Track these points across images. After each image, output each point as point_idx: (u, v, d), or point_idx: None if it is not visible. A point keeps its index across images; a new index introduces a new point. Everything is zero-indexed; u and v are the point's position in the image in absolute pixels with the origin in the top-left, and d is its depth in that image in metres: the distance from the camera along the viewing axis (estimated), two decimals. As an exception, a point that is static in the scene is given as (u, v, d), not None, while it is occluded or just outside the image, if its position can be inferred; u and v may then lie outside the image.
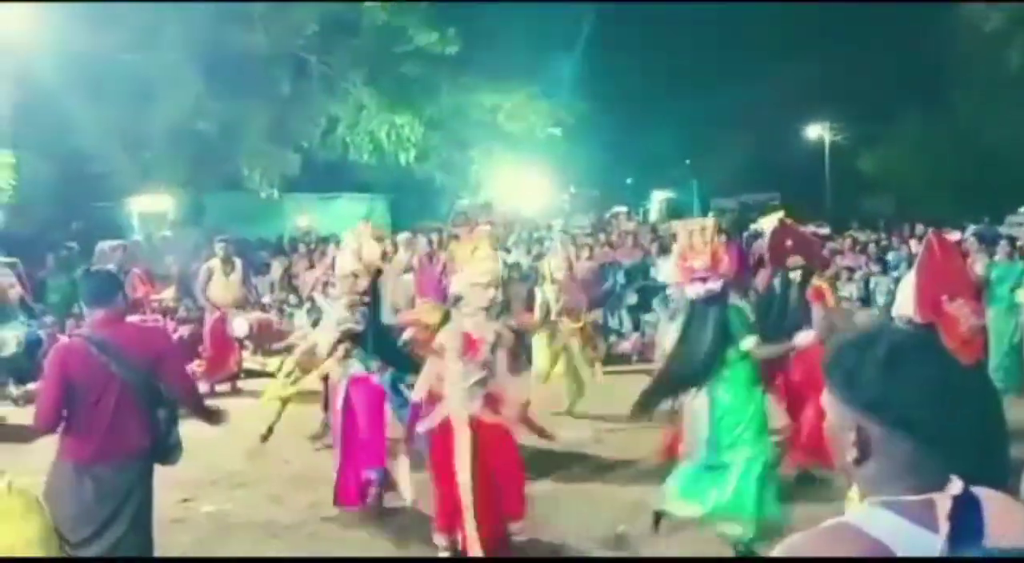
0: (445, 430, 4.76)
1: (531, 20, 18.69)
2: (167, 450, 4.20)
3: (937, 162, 22.75)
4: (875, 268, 12.39)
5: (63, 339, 4.35)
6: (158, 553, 4.56)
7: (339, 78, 15.14)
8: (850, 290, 12.12)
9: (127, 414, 3.98)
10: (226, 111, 13.66)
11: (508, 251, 12.82)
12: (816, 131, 27.32)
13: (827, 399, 1.46)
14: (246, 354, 10.84)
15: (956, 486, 1.37)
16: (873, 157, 25.04)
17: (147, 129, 13.78)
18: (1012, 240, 9.89)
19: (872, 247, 13.64)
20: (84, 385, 3.89)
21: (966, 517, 1.33)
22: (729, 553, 4.96)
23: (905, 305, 5.95)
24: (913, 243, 13.46)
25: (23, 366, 7.66)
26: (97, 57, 11.97)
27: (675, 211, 26.07)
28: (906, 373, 1.37)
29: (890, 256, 13.10)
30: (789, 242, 6.37)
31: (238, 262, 10.52)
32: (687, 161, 27.68)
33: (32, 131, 12.38)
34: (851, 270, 12.79)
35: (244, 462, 7.42)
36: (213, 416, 4.44)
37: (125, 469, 4.00)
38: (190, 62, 12.81)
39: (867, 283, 11.98)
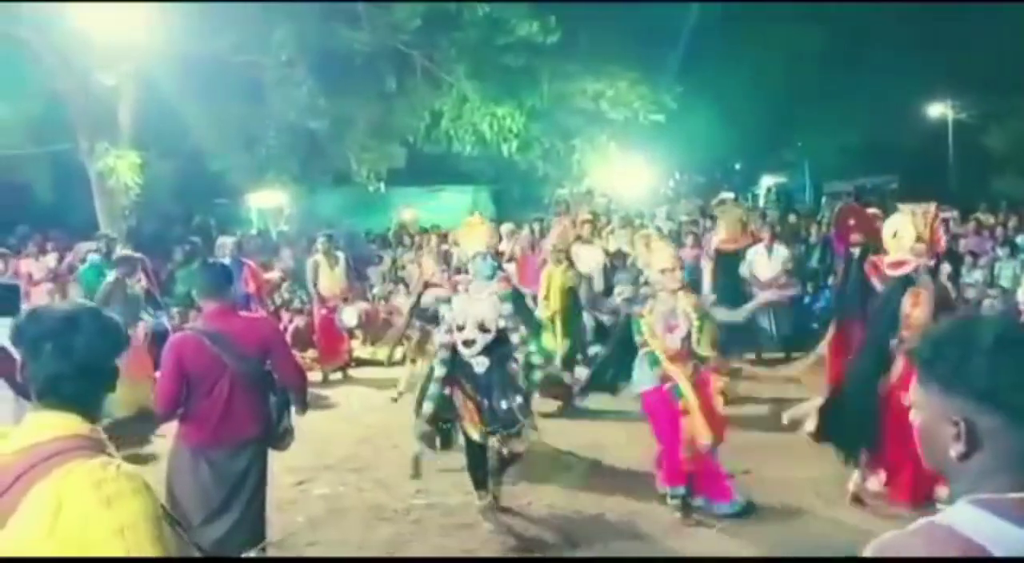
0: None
1: (632, 6, 18.43)
2: (279, 436, 4.40)
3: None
4: (1002, 252, 11.67)
5: (179, 332, 4.60)
6: (272, 532, 4.78)
7: (442, 72, 15.32)
8: (975, 277, 11.47)
9: (239, 401, 4.19)
10: (335, 108, 14.04)
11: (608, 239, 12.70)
12: (938, 108, 25.71)
13: (923, 393, 1.41)
14: (356, 343, 11.18)
15: None
16: (1002, 133, 23.47)
17: (261, 127, 14.33)
18: None
19: (1000, 230, 12.85)
20: (199, 375, 4.12)
21: None
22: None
23: None
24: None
25: (151, 355, 8.11)
26: (213, 59, 12.51)
27: (786, 196, 25.26)
28: (1016, 358, 1.33)
29: (1020, 239, 12.30)
30: (852, 221, 7.02)
31: (341, 255, 10.87)
32: (799, 143, 26.61)
33: (155, 132, 13.08)
34: (975, 255, 12.10)
35: (356, 447, 7.68)
36: (305, 407, 4.62)
37: (239, 453, 4.22)
38: (300, 62, 13.22)
39: (992, 268, 11.31)
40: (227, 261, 10.10)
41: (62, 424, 1.84)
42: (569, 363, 8.65)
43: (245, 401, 4.22)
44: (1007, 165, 22.82)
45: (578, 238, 12.62)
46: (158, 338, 8.14)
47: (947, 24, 21.40)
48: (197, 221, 16.95)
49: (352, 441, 7.85)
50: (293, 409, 4.50)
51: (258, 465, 4.33)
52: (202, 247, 12.87)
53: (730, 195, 17.85)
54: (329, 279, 10.51)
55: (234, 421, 4.18)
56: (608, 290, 11.54)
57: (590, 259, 11.72)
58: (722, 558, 5.23)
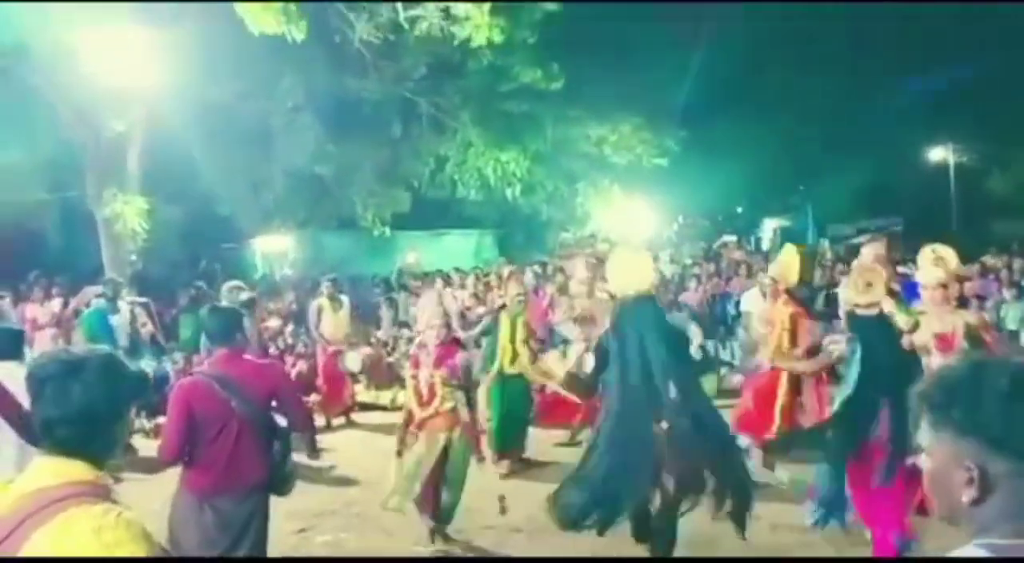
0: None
1: (635, 52, 18.71)
2: (282, 481, 4.35)
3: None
4: (1008, 294, 11.65)
5: (187, 377, 4.58)
6: (274, 581, 4.70)
7: (447, 118, 15.55)
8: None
9: (245, 447, 4.15)
10: (342, 154, 14.25)
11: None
12: (939, 152, 25.98)
13: (934, 438, 1.40)
14: (359, 388, 11.14)
15: None
16: (1004, 177, 23.65)
17: (268, 173, 14.52)
18: None
19: (1004, 273, 12.84)
20: (206, 420, 4.09)
21: None
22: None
23: None
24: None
25: (152, 401, 8.09)
26: (221, 105, 12.72)
27: (789, 239, 25.29)
28: None
29: (1025, 282, 12.29)
30: None
31: (345, 299, 10.86)
32: (801, 187, 26.80)
33: (163, 177, 13.24)
34: (981, 298, 12.07)
35: (359, 493, 7.59)
36: (315, 451, 4.62)
37: (244, 500, 4.17)
38: (308, 108, 13.44)
39: (999, 311, 11.28)
40: (236, 305, 10.17)
41: (66, 470, 1.84)
42: None
43: (251, 446, 4.19)
44: (1009, 208, 22.92)
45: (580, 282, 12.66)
46: (158, 383, 8.14)
47: (950, 71, 21.69)
48: (203, 265, 17.04)
49: (355, 487, 7.77)
50: (295, 455, 4.48)
51: (262, 511, 4.29)
52: (208, 292, 12.91)
53: (733, 238, 17.88)
54: (333, 323, 10.51)
55: (240, 467, 4.15)
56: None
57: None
58: (722, 558, 5.16)
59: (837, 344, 5.53)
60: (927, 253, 5.78)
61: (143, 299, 10.13)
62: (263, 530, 4.31)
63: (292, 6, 10.48)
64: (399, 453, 5.91)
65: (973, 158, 25.40)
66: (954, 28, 21.37)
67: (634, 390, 4.94)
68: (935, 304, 5.52)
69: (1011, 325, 10.76)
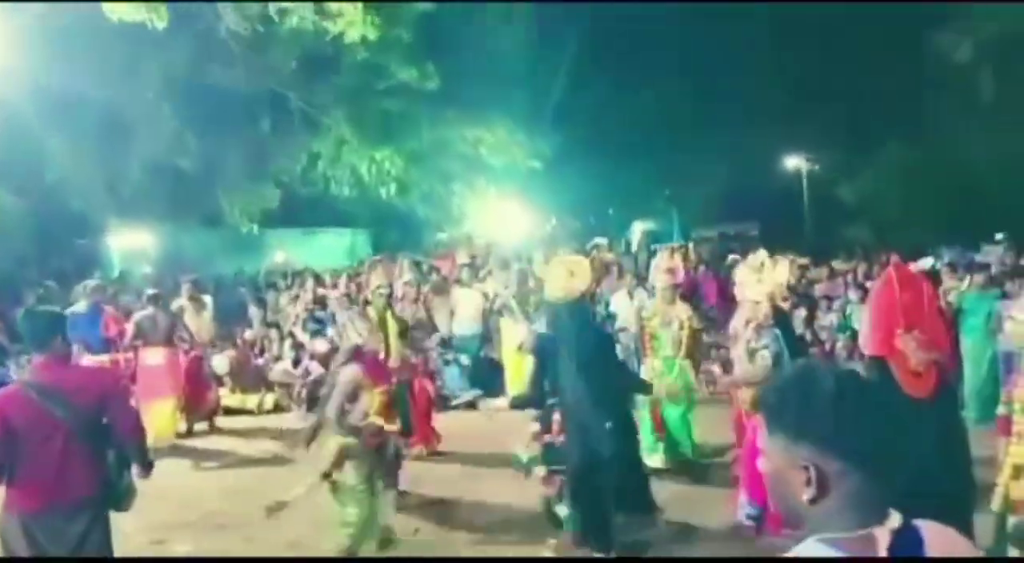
0: None
1: (511, 55, 18.88)
2: (119, 496, 4.07)
3: (914, 190, 23.00)
4: (854, 296, 12.46)
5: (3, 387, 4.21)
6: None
7: (319, 114, 15.21)
8: (830, 319, 12.17)
9: (73, 461, 3.83)
10: (205, 147, 13.68)
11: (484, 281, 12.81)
12: (793, 161, 27.63)
13: (770, 441, 1.46)
14: (224, 391, 10.75)
15: (895, 519, 1.39)
16: (851, 186, 25.28)
17: (126, 165, 13.76)
18: (986, 267, 9.94)
19: (851, 276, 13.73)
20: (25, 433, 3.74)
21: (906, 550, 1.36)
22: None
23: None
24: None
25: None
26: (75, 93, 11.98)
27: (655, 241, 26.21)
28: (856, 405, 1.39)
29: (869, 284, 13.17)
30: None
31: (208, 299, 10.47)
32: (667, 192, 27.84)
33: (9, 168, 12.32)
34: (830, 299, 12.86)
35: (222, 502, 7.32)
36: (149, 467, 4.24)
37: (74, 518, 3.85)
38: (169, 99, 12.84)
39: (845, 311, 12.04)
40: (83, 306, 9.60)
41: None
42: None
43: (79, 460, 3.85)
44: (856, 216, 24.54)
45: (457, 281, 12.67)
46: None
47: (805, 83, 23.00)
48: (53, 263, 15.98)
49: (218, 495, 7.48)
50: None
51: (99, 528, 3.96)
52: (58, 291, 12.12)
53: (603, 241, 18.32)
54: (195, 324, 10.09)
55: (68, 482, 3.81)
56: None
57: (469, 303, 11.78)
58: (722, 558, 5.27)
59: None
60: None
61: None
62: (104, 547, 4.02)
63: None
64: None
65: (824, 167, 27.08)
66: (808, 39, 22.71)
67: (578, 388, 5.26)
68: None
69: (856, 325, 11.48)
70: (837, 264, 15.48)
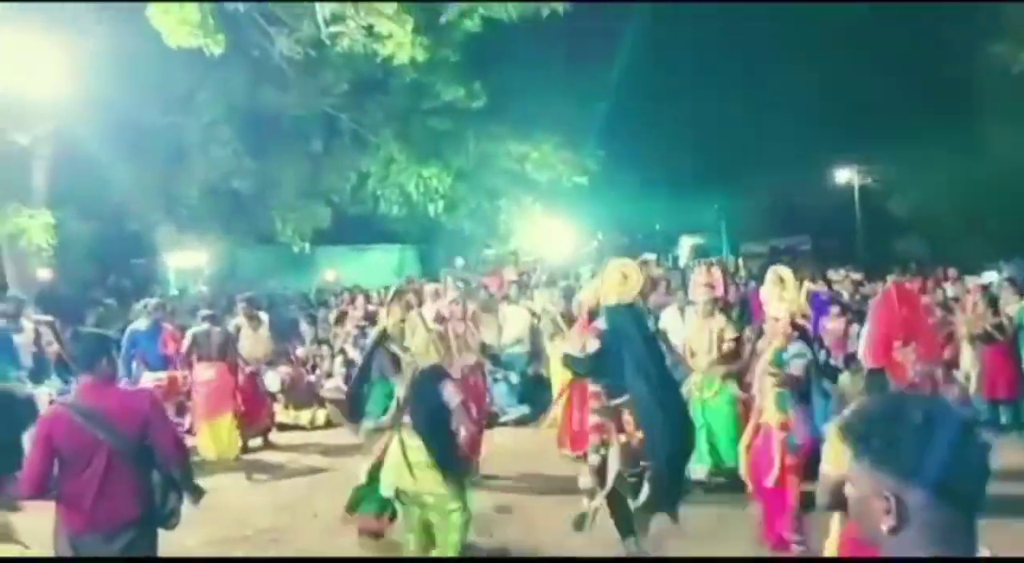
0: None
1: (557, 71, 18.99)
2: (163, 516, 4.12)
3: (968, 203, 22.51)
4: (909, 312, 12.22)
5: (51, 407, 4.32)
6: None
7: (369, 134, 15.47)
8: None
9: (117, 482, 3.91)
10: (260, 168, 14.01)
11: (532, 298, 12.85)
12: (845, 175, 27.15)
13: (856, 468, 1.45)
14: (278, 407, 10.93)
15: (986, 554, 1.38)
16: (904, 199, 24.81)
17: (183, 187, 14.15)
18: (1046, 282, 9.69)
19: (907, 290, 13.45)
20: (71, 454, 3.85)
21: None
22: None
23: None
24: (947, 285, 13.26)
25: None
26: (136, 118, 12.38)
27: (704, 256, 26.03)
28: (941, 438, 1.39)
29: (924, 299, 12.88)
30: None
31: (264, 316, 10.65)
32: (716, 206, 27.63)
33: (70, 191, 12.77)
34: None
35: (276, 517, 7.44)
36: (195, 490, 4.28)
37: (115, 538, 3.92)
38: (226, 122, 13.18)
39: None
40: (142, 324, 9.87)
41: None
42: None
43: (123, 481, 3.93)
44: (909, 229, 24.07)
45: (505, 298, 12.72)
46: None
47: (856, 95, 22.70)
48: (112, 282, 16.46)
49: (272, 510, 7.61)
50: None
51: (143, 548, 4.03)
52: (117, 309, 12.48)
53: (651, 256, 18.23)
54: (252, 342, 10.28)
55: (111, 503, 3.89)
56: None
57: (517, 320, 11.81)
58: (721, 558, 5.24)
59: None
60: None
61: (48, 317, 9.73)
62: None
63: (210, 20, 10.29)
64: None
65: (876, 180, 26.61)
66: (861, 50, 22.44)
67: (645, 386, 5.47)
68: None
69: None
70: (892, 278, 15.17)
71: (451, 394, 5.24)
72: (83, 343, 4.24)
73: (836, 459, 1.49)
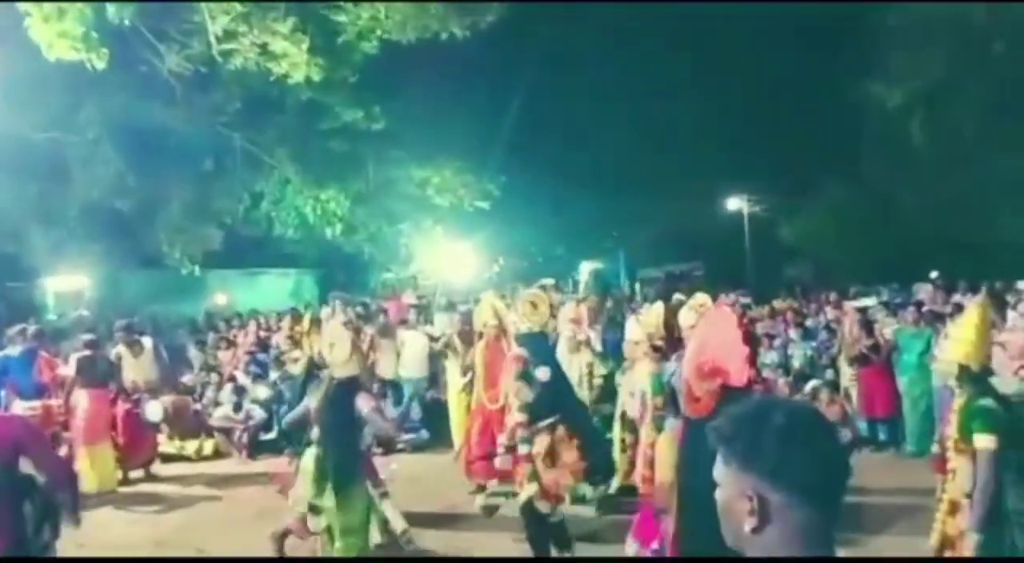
0: None
1: (458, 96, 19.06)
2: (36, 549, 3.84)
3: (852, 229, 23.72)
4: (794, 334, 12.68)
5: None
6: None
7: (264, 154, 15.08)
8: (771, 357, 12.33)
9: None
10: (146, 188, 13.43)
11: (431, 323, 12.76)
12: (736, 203, 28.28)
13: (723, 469, 1.48)
14: (162, 438, 10.43)
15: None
16: (791, 226, 25.96)
17: (62, 207, 13.43)
18: (919, 305, 10.22)
19: (791, 314, 13.98)
20: None
21: None
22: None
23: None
24: (828, 309, 13.86)
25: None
26: (12, 134, 11.70)
27: (603, 281, 26.48)
28: (803, 441, 1.42)
29: (808, 322, 13.43)
30: None
31: (146, 341, 10.20)
32: (614, 232, 28.21)
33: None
34: (771, 337, 13.04)
35: (155, 552, 7.07)
36: (76, 515, 4.01)
37: None
38: (109, 140, 12.60)
39: (786, 349, 12.22)
40: (15, 351, 9.28)
41: None
42: None
43: None
44: (796, 255, 25.17)
45: (403, 323, 12.56)
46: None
47: (745, 126, 23.69)
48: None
49: (148, 547, 7.21)
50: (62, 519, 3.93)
51: None
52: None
53: (551, 281, 18.41)
54: (134, 369, 9.80)
55: None
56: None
57: (415, 344, 11.67)
58: (722, 558, 5.20)
59: None
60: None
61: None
62: None
63: (93, 34, 9.85)
64: None
65: (765, 208, 27.77)
66: (748, 84, 23.44)
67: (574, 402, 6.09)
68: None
69: (796, 363, 11.67)
70: (777, 303, 15.75)
71: (364, 402, 5.34)
72: None
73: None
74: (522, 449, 5.73)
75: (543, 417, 5.63)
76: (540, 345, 5.96)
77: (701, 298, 6.46)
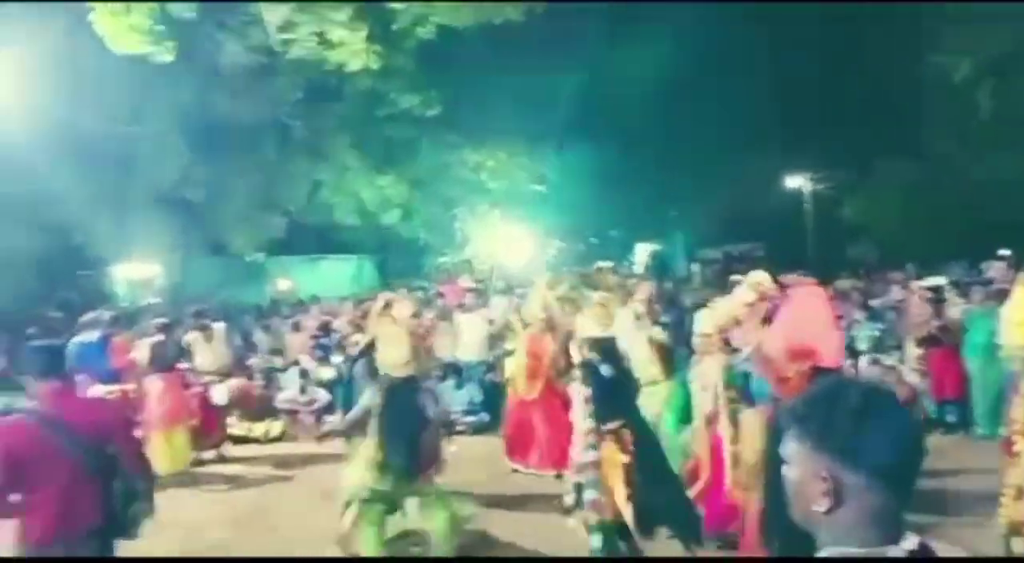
0: None
1: (513, 80, 19.04)
2: (124, 526, 4.04)
3: (917, 207, 23.01)
4: (858, 315, 12.42)
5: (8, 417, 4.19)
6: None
7: (324, 142, 15.33)
8: (835, 338, 12.12)
9: (77, 491, 3.82)
10: (212, 178, 13.78)
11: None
12: (796, 181, 27.63)
13: (794, 449, 1.49)
14: (231, 420, 10.73)
15: (911, 541, 1.41)
16: (854, 204, 25.29)
17: (133, 197, 13.85)
18: (988, 284, 9.92)
19: (855, 294, 13.69)
20: (29, 464, 3.74)
21: None
22: None
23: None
24: (895, 289, 13.53)
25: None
26: (82, 127, 12.08)
27: (660, 263, 26.26)
28: (879, 422, 1.42)
29: (874, 302, 13.14)
30: None
31: (216, 327, 10.48)
32: (671, 213, 27.87)
33: (11, 203, 12.39)
34: (838, 318, 12.80)
35: (227, 531, 7.30)
36: (150, 503, 4.15)
37: (76, 548, 3.83)
38: (177, 132, 12.94)
39: (850, 330, 11.99)
40: (95, 336, 9.62)
41: None
42: None
43: (84, 489, 3.83)
44: (860, 234, 24.54)
45: (460, 306, 12.67)
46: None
47: (806, 102, 23.13)
48: (60, 295, 16.03)
49: (223, 525, 7.46)
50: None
51: (104, 557, 3.96)
52: (63, 322, 12.16)
53: (608, 263, 18.34)
54: (206, 354, 10.11)
55: (72, 512, 3.80)
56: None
57: (474, 327, 11.77)
58: (719, 558, 5.24)
59: None
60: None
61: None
62: None
63: (160, 27, 10.11)
64: None
65: (826, 186, 27.10)
66: (809, 58, 22.88)
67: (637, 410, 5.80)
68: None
69: (860, 345, 11.44)
70: (840, 283, 15.44)
71: (429, 405, 5.45)
72: (40, 353, 4.07)
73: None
74: (588, 455, 5.62)
75: (608, 420, 5.49)
76: (609, 349, 5.73)
77: (759, 276, 6.19)
